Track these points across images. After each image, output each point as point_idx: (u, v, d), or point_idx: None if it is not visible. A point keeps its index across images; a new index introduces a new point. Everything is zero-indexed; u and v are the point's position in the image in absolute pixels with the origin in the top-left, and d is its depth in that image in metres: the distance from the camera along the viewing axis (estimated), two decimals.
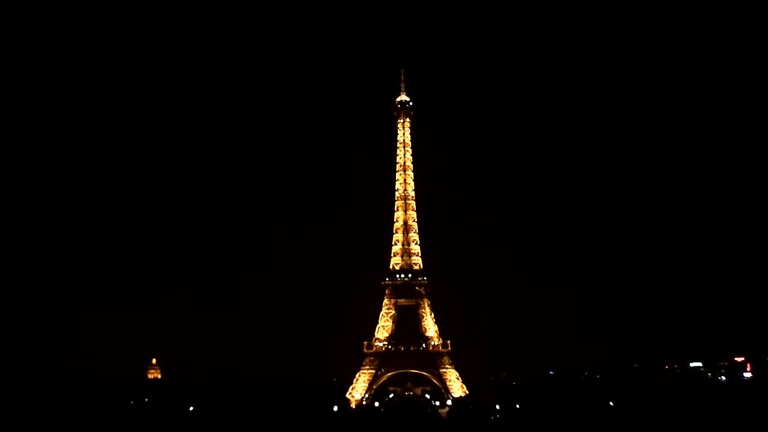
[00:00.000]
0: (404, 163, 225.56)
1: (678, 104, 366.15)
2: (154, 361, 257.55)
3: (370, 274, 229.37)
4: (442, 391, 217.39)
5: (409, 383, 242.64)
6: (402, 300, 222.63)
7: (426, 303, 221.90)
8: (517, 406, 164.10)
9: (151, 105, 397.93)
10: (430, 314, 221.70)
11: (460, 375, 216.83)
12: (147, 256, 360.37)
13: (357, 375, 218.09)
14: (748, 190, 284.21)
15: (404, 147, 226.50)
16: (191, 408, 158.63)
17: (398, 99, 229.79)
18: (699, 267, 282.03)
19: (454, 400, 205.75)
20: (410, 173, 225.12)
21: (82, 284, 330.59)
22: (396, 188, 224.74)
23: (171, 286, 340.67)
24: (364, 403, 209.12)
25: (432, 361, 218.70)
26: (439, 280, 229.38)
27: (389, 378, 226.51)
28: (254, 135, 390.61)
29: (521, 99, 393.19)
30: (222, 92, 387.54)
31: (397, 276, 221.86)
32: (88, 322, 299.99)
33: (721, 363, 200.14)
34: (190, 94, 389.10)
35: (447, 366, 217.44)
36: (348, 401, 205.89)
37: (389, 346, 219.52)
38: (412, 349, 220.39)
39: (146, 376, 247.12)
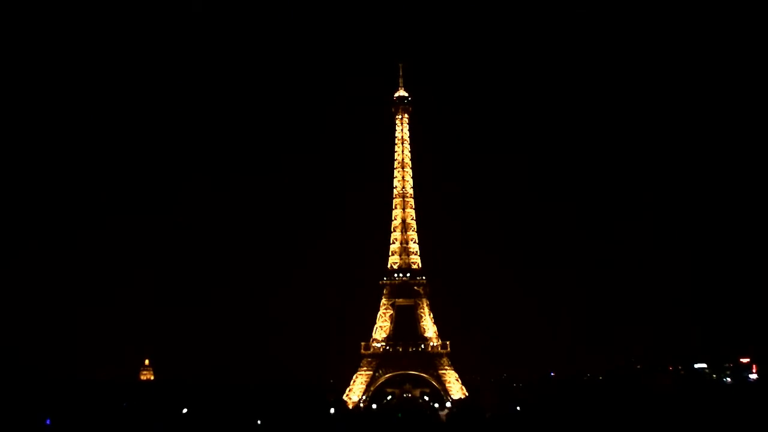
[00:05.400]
0: (402, 160, 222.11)
1: (678, 104, 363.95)
2: (146, 362, 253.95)
3: (368, 274, 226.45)
4: (441, 393, 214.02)
5: (407, 385, 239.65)
6: (400, 300, 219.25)
7: (425, 303, 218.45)
8: (518, 408, 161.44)
9: (151, 105, 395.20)
10: (429, 314, 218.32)
11: (459, 376, 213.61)
12: (142, 257, 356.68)
13: (354, 376, 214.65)
14: (751, 190, 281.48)
15: (402, 143, 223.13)
16: (185, 410, 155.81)
17: (396, 94, 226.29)
18: (702, 266, 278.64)
19: (453, 401, 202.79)
20: (408, 170, 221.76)
21: (74, 285, 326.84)
22: (394, 185, 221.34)
23: (165, 287, 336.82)
24: (361, 405, 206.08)
25: (431, 362, 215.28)
26: (438, 279, 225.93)
27: (387, 379, 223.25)
28: (253, 134, 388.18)
29: (521, 97, 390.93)
30: (219, 91, 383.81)
31: (395, 275, 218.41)
32: (80, 323, 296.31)
33: (726, 364, 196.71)
34: (189, 93, 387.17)
35: (446, 367, 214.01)
36: (345, 403, 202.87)
37: (387, 347, 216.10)
38: (410, 350, 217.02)
39: (139, 378, 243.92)
